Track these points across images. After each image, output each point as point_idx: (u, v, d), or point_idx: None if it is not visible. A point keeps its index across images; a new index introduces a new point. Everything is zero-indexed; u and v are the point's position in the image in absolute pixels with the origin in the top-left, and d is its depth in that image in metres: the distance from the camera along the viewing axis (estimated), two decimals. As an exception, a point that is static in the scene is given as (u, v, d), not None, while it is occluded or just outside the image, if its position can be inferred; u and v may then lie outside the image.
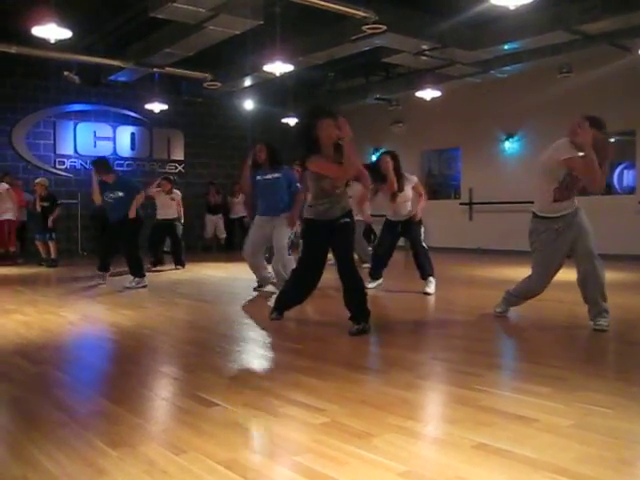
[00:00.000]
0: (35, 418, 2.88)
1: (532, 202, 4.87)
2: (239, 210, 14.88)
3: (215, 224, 14.62)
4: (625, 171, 13.01)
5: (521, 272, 9.39)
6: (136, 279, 7.79)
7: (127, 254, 7.86)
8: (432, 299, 6.68)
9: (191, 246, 12.05)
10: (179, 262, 10.43)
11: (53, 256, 11.09)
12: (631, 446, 2.47)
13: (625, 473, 2.23)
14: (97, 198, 7.98)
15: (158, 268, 10.18)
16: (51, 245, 11.12)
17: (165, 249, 11.07)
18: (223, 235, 14.67)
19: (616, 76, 10.88)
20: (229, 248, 14.49)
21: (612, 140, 12.30)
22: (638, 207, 10.89)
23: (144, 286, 7.75)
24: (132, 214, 7.69)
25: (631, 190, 12.16)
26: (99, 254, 8.49)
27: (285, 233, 6.84)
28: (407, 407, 2.93)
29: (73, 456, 2.38)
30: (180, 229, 10.69)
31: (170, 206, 10.59)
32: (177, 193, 10.77)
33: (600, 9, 8.88)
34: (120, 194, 7.76)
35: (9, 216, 11.31)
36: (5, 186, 11.31)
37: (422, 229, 7.09)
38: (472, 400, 3.01)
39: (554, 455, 2.32)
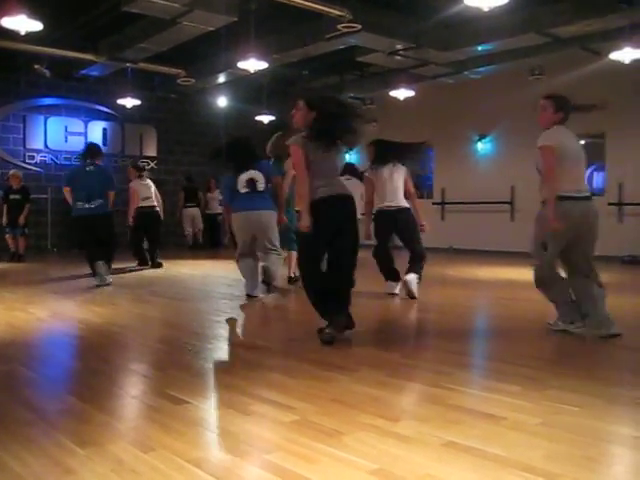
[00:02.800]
0: (1, 417, 2.83)
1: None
2: (214, 206, 14.74)
3: (192, 217, 14.36)
4: (595, 173, 13.19)
5: (493, 272, 9.57)
6: None
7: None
8: (403, 298, 6.63)
9: (165, 244, 11.84)
10: (154, 261, 9.93)
11: (21, 251, 10.93)
12: (597, 444, 2.50)
13: (592, 470, 2.26)
14: None
15: (142, 267, 9.84)
16: (20, 240, 10.96)
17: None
18: (201, 226, 14.36)
19: (587, 79, 11.03)
20: (205, 245, 14.35)
21: (582, 142, 12.51)
22: (608, 208, 11.05)
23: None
24: None
25: (601, 192, 12.34)
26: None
27: (272, 229, 6.40)
28: (377, 405, 2.93)
29: (40, 455, 2.34)
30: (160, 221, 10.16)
31: (146, 193, 9.97)
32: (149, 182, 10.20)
33: (571, 13, 9.02)
34: None
35: None
36: None
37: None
38: (442, 398, 3.04)
39: (523, 453, 2.34)
